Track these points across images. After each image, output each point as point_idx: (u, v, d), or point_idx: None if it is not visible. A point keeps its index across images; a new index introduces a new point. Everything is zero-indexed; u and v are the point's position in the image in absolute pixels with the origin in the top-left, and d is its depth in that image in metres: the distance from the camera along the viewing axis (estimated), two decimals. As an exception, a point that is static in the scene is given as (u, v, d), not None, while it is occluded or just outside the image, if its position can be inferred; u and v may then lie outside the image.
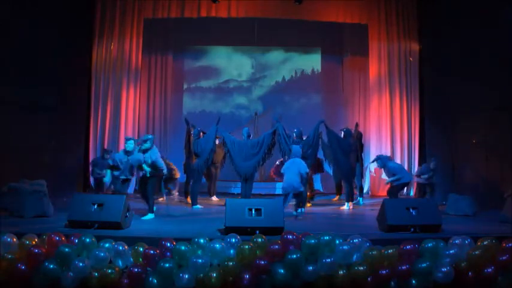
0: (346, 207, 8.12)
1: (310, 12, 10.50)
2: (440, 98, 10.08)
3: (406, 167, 10.26)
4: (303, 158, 7.60)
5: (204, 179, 9.08)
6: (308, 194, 8.05)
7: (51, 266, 4.37)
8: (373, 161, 8.74)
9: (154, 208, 6.90)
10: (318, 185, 11.16)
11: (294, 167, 6.99)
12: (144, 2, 10.50)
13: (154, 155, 6.67)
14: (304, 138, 8.02)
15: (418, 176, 9.24)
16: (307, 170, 7.19)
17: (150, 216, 6.66)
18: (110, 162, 8.09)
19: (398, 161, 10.29)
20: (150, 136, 6.93)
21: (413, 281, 4.35)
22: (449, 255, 4.51)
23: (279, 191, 10.67)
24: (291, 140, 7.80)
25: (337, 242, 4.57)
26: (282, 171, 7.21)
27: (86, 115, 10.26)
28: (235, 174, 8.25)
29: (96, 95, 10.38)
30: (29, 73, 8.37)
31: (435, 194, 8.93)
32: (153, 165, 6.63)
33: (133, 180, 9.55)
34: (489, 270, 4.38)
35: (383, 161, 8.02)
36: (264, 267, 4.34)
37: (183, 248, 4.47)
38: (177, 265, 4.40)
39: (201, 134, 8.52)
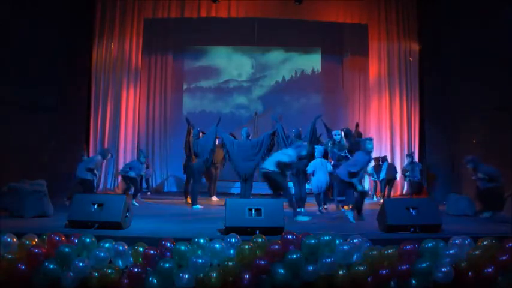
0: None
1: (310, 12, 10.51)
2: (440, 98, 10.09)
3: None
4: (300, 158, 7.60)
5: (204, 179, 9.08)
6: None
7: (51, 266, 4.36)
8: None
9: None
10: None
11: (324, 167, 7.43)
12: (144, 2, 10.51)
13: None
14: (301, 138, 8.01)
15: None
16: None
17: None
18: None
19: (398, 161, 10.33)
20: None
21: (413, 281, 4.35)
22: (449, 255, 4.50)
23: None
24: (289, 140, 7.80)
25: (337, 242, 4.57)
26: (309, 170, 7.44)
27: (86, 115, 10.27)
28: (235, 174, 8.26)
29: (96, 95, 10.38)
30: (29, 73, 8.37)
31: None
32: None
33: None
34: (489, 270, 4.37)
35: None
36: (264, 267, 4.34)
37: (183, 248, 4.46)
38: (177, 265, 4.39)
39: (201, 134, 8.52)
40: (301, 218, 6.57)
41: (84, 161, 8.40)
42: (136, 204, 8.38)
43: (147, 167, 9.99)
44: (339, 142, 7.88)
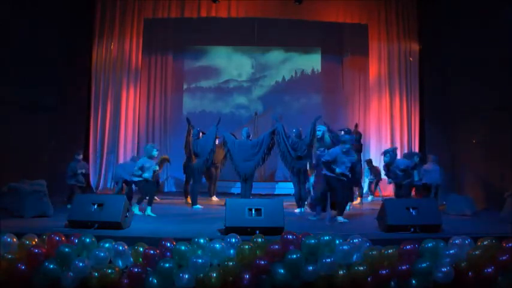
0: (347, 207, 8.10)
1: (310, 12, 10.50)
2: (440, 98, 10.09)
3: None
4: (300, 157, 7.59)
5: (204, 179, 9.07)
6: None
7: (51, 266, 4.37)
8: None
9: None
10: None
11: None
12: (144, 2, 10.50)
13: None
14: (302, 138, 8.01)
15: None
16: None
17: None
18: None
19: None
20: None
21: (413, 281, 4.35)
22: (449, 255, 4.50)
23: (278, 191, 10.71)
24: (290, 140, 7.79)
25: (337, 242, 4.57)
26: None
27: (86, 115, 10.26)
28: (235, 174, 8.25)
29: (96, 95, 10.38)
30: (29, 73, 8.36)
31: None
32: None
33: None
34: (489, 270, 4.38)
35: None
36: (264, 267, 4.34)
37: (183, 248, 4.46)
38: (177, 265, 4.40)
39: (201, 134, 8.52)
40: (341, 219, 6.55)
41: (129, 165, 7.89)
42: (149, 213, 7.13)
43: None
44: (321, 138, 7.59)
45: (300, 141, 7.79)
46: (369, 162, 9.68)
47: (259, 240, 4.62)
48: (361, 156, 9.30)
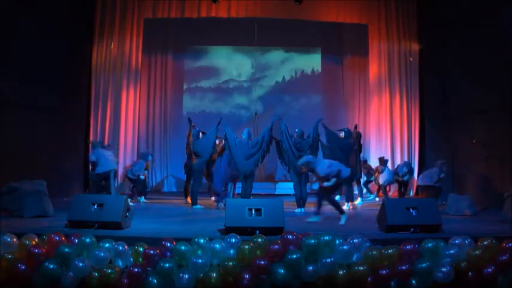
0: (346, 207, 8.12)
1: (310, 12, 10.52)
2: (440, 98, 10.09)
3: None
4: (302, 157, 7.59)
5: (204, 179, 9.07)
6: None
7: (51, 266, 4.36)
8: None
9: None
10: (316, 185, 11.17)
11: None
12: (144, 2, 10.51)
13: None
14: (305, 138, 8.00)
15: None
16: None
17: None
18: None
19: (398, 161, 10.30)
20: None
21: (413, 281, 4.35)
22: (449, 255, 4.50)
23: (278, 191, 10.72)
24: (292, 139, 7.79)
25: (337, 242, 4.56)
26: None
27: (86, 115, 10.27)
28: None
29: (96, 95, 10.39)
30: (29, 73, 8.36)
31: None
32: None
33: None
34: (489, 270, 4.38)
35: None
36: (264, 267, 4.34)
37: (183, 248, 4.46)
38: (177, 265, 4.39)
39: (201, 134, 8.51)
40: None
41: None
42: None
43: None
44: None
45: (303, 141, 7.79)
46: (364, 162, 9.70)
47: (259, 240, 4.61)
48: (361, 157, 9.30)
